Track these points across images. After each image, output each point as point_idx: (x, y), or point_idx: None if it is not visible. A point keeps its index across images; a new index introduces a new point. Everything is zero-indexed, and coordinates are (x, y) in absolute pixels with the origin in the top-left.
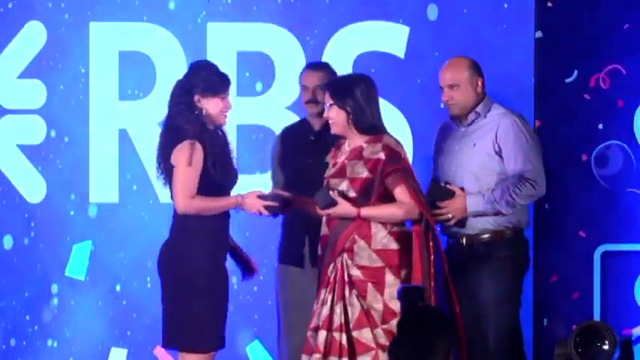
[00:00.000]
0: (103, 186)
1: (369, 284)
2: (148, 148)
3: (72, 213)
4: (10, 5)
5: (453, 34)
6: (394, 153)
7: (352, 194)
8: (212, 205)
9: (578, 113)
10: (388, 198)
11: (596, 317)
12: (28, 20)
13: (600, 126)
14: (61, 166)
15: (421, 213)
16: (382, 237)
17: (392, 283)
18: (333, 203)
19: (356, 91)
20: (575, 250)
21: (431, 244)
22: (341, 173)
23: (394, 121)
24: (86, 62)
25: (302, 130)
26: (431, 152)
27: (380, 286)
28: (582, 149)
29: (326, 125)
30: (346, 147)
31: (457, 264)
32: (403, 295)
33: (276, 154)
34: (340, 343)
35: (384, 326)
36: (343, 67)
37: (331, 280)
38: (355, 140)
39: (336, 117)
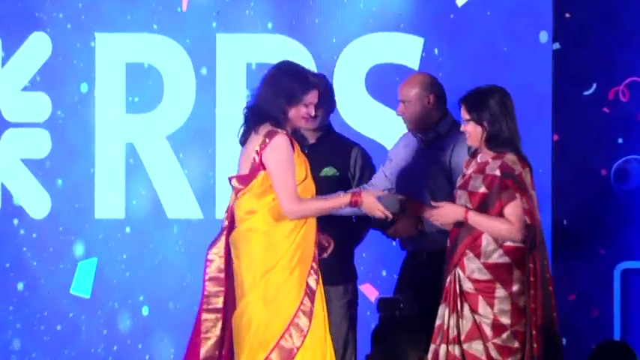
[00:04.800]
0: (109, 201)
1: (480, 297)
2: (155, 162)
3: (76, 228)
4: (14, 16)
5: (469, 46)
6: (508, 170)
7: (470, 207)
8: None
9: (597, 127)
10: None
11: (616, 336)
12: (32, 31)
13: (620, 140)
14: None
15: (528, 235)
16: (492, 250)
17: (503, 297)
18: (402, 210)
19: (492, 105)
20: (594, 267)
21: (531, 265)
22: (464, 186)
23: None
24: (92, 74)
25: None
26: None
27: (490, 299)
28: (601, 164)
29: (320, 138)
30: (478, 159)
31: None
32: (380, 305)
33: None
34: (455, 357)
35: (495, 340)
36: (356, 79)
37: (448, 293)
38: (485, 154)
39: (473, 132)
